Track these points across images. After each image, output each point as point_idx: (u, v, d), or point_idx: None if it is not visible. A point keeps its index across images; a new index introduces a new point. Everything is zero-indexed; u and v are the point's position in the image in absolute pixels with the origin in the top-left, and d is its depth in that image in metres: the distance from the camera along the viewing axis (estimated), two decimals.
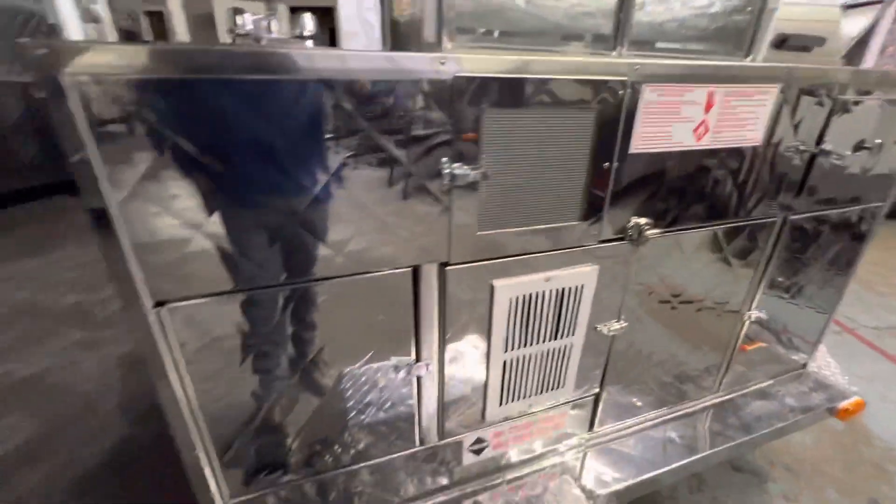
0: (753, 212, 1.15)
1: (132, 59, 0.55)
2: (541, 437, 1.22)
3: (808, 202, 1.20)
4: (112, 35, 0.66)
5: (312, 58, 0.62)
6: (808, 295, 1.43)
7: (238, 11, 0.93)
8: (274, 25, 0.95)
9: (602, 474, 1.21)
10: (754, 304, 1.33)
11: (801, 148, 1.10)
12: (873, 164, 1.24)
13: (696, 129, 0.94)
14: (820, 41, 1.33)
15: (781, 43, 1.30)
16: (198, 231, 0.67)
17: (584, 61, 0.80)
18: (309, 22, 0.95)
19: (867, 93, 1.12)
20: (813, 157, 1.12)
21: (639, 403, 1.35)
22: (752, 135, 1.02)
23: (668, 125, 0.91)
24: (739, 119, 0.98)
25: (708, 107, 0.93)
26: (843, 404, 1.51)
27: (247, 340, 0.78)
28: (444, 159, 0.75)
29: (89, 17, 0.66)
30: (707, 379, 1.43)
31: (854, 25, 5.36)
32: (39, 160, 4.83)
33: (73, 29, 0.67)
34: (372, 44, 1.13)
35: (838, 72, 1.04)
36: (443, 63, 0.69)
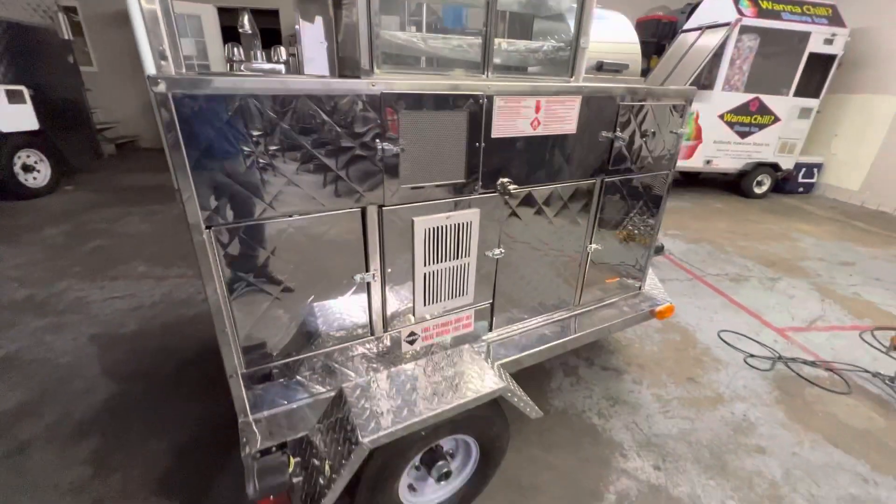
0: (580, 175, 1.80)
1: (197, 83, 1.02)
2: (456, 334, 1.79)
3: (615, 170, 1.88)
4: (173, 69, 1.10)
5: (304, 82, 1.12)
6: (630, 234, 2.14)
7: (234, 45, 1.39)
8: (259, 55, 1.43)
9: (498, 355, 1.81)
10: (592, 240, 2.00)
11: (604, 134, 1.77)
12: (654, 145, 1.95)
13: (531, 123, 1.56)
14: (624, 66, 2.03)
15: (600, 68, 1.98)
16: (232, 183, 1.14)
17: (459, 83, 1.37)
18: (283, 53, 1.43)
19: (642, 99, 1.81)
20: (612, 141, 1.80)
21: (523, 314, 1.97)
22: (569, 126, 1.66)
23: (513, 120, 1.51)
24: (559, 117, 1.61)
25: (537, 109, 1.55)
26: (658, 308, 2.25)
27: (259, 254, 1.25)
28: (378, 141, 1.28)
29: (161, 56, 1.11)
30: (569, 296, 2.09)
31: (710, 41, 6.52)
32: None
33: (150, 65, 1.12)
34: (324, 65, 1.63)
35: (617, 87, 1.71)
36: (374, 85, 1.22)
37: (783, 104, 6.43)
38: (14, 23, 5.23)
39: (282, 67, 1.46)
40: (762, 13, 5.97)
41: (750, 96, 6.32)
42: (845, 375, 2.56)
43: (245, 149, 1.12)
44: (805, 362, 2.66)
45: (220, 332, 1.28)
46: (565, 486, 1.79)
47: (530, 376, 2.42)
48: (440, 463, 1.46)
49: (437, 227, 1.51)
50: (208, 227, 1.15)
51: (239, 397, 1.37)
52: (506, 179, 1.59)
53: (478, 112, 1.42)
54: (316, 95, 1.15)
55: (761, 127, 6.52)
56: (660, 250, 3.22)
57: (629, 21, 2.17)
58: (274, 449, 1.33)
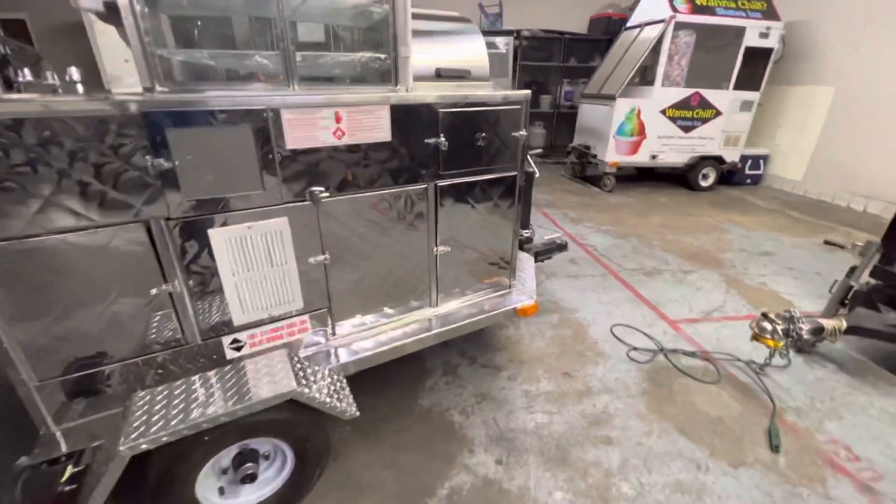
0: (408, 181, 1.85)
1: None
2: (291, 339, 1.83)
3: (448, 174, 1.94)
4: None
5: (46, 103, 1.16)
6: (484, 235, 2.19)
7: (19, 66, 1.43)
8: (49, 75, 1.46)
9: (341, 357, 1.86)
10: (438, 243, 2.05)
11: (426, 141, 1.82)
12: (493, 148, 2.01)
13: (334, 133, 1.61)
14: (465, 72, 2.08)
15: (438, 75, 2.04)
16: None
17: (240, 97, 1.41)
18: (75, 73, 1.47)
19: (469, 106, 1.86)
20: (437, 146, 1.85)
21: (374, 317, 2.02)
22: (381, 134, 1.71)
23: (311, 132, 1.56)
24: (367, 126, 1.66)
25: (338, 120, 1.60)
26: (520, 305, 2.30)
27: (29, 271, 1.29)
28: (148, 157, 1.33)
29: None
30: (424, 297, 2.14)
31: (648, 38, 6.65)
32: None
33: None
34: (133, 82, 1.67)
35: (431, 95, 1.76)
36: (131, 104, 1.27)
37: (724, 98, 6.53)
38: None
39: (80, 88, 1.49)
40: (696, 9, 6.06)
41: (690, 91, 6.42)
42: (720, 364, 2.63)
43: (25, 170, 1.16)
44: (685, 353, 2.73)
45: (5, 346, 1.32)
46: (403, 483, 1.85)
47: (409, 375, 2.48)
48: (246, 465, 1.51)
49: (240, 238, 1.56)
50: None
51: (34, 408, 1.41)
52: (316, 188, 1.64)
53: (264, 125, 1.47)
54: (60, 117, 1.19)
55: (704, 121, 6.62)
56: (562, 247, 3.30)
57: (478, 30, 2.22)
58: (63, 459, 1.38)
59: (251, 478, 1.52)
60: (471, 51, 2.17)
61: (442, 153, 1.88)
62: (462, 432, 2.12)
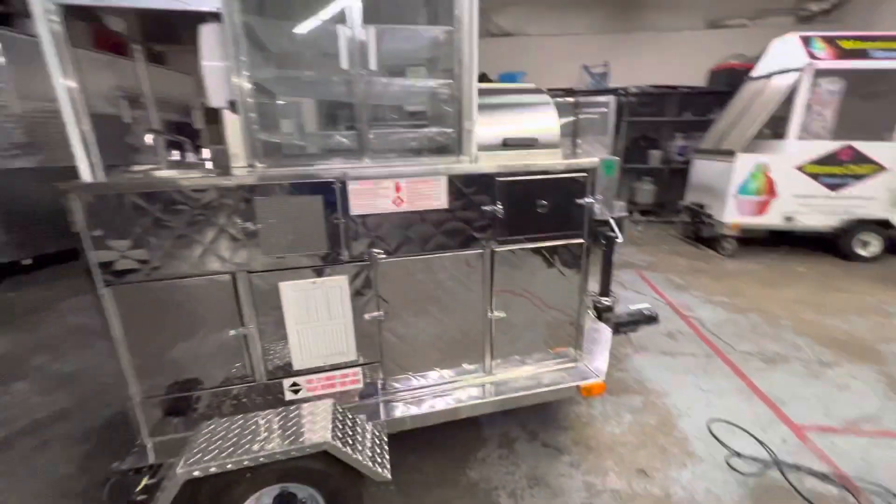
0: (462, 246, 1.89)
1: (88, 188, 1.47)
2: (343, 389, 1.93)
3: (505, 240, 1.93)
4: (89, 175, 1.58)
5: (169, 178, 1.51)
6: (546, 303, 2.09)
7: (173, 149, 1.88)
8: (189, 155, 1.90)
9: (386, 414, 1.90)
10: (493, 308, 2.02)
11: (483, 207, 1.86)
12: (555, 215, 1.96)
13: (393, 201, 1.75)
14: (533, 141, 2.12)
15: (505, 144, 2.11)
16: (122, 254, 1.54)
17: (308, 171, 1.65)
18: (206, 153, 1.88)
19: (530, 174, 1.88)
20: (494, 213, 1.88)
21: (425, 377, 2.04)
22: (438, 202, 1.80)
23: (371, 200, 1.72)
24: (424, 195, 1.78)
25: (398, 189, 1.74)
26: (584, 384, 2.10)
27: (145, 307, 1.62)
28: (238, 221, 1.61)
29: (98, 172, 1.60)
30: (478, 363, 2.09)
31: (778, 88, 6.05)
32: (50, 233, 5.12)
33: (86, 173, 1.62)
34: None
35: (482, 167, 1.82)
36: (230, 179, 1.57)
37: (889, 151, 5.41)
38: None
39: (209, 165, 1.90)
40: (843, 54, 5.29)
41: (839, 144, 5.46)
42: (865, 497, 2.00)
43: (131, 228, 1.53)
44: (812, 473, 2.15)
45: (122, 366, 1.65)
46: None
47: (462, 440, 2.38)
48: None
49: (305, 291, 1.75)
50: (107, 285, 1.56)
51: (134, 420, 1.71)
52: (375, 250, 1.78)
53: (333, 194, 1.68)
54: (179, 189, 1.53)
55: (859, 178, 5.53)
56: (651, 319, 2.97)
57: (549, 99, 2.26)
58: (145, 469, 1.63)
59: None
60: (540, 120, 2.20)
61: (500, 220, 1.89)
62: None
